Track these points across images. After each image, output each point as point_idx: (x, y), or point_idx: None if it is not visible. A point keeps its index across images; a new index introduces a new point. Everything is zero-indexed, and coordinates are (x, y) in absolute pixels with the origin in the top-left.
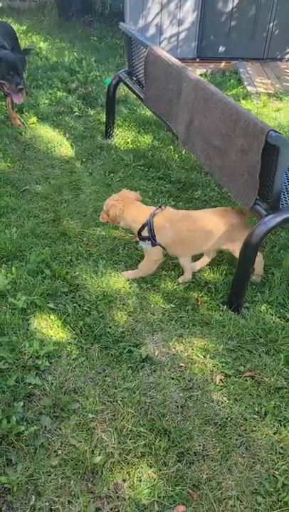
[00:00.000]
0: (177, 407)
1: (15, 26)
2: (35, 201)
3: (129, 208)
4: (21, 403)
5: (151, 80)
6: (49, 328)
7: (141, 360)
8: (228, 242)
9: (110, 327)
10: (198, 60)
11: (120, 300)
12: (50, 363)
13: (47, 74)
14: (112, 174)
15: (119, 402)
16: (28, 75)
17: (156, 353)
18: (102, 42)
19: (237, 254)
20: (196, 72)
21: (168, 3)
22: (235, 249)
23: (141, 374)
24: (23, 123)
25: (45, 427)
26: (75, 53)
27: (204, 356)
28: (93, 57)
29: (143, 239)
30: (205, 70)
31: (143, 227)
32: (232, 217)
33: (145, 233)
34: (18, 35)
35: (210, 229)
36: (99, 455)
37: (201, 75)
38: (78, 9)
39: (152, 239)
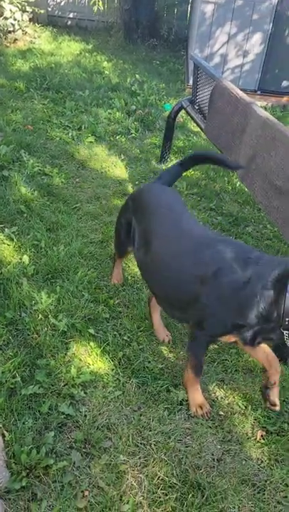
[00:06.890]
0: (213, 460)
1: (81, 45)
2: (84, 220)
3: None
4: (52, 433)
5: (215, 112)
6: (87, 355)
7: (178, 403)
8: None
9: (150, 361)
10: (259, 92)
11: None
12: (86, 393)
13: (108, 94)
14: None
15: (152, 446)
16: (89, 94)
17: None
18: (164, 66)
19: None
20: None
21: (236, 35)
22: None
23: (177, 418)
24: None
25: (75, 462)
26: (137, 75)
27: (245, 407)
28: (154, 80)
29: None
30: (265, 104)
31: None
32: None
33: None
34: (83, 53)
35: None
36: (127, 503)
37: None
38: (144, 33)
39: None
